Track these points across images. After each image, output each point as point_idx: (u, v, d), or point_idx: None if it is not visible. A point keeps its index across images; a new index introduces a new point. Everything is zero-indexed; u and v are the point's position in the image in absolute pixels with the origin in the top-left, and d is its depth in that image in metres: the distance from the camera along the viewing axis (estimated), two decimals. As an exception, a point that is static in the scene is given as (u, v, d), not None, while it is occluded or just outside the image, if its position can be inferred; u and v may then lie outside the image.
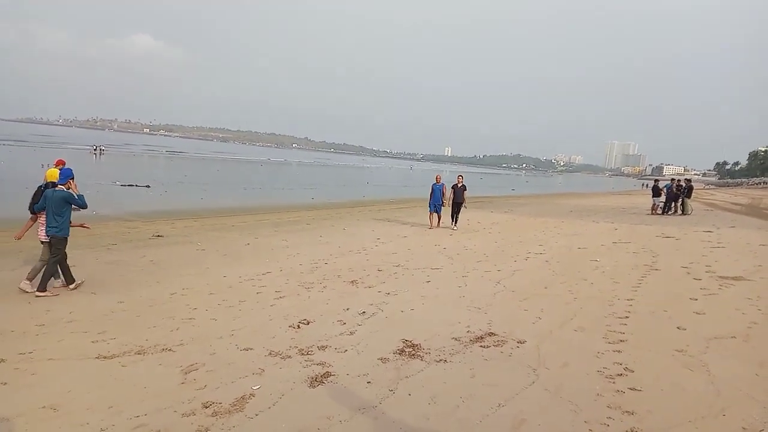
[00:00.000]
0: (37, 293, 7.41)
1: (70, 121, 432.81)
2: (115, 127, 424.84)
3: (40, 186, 7.87)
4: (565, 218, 21.96)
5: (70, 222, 7.81)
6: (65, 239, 7.69)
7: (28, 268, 7.84)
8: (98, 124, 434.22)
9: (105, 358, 5.30)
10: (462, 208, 16.95)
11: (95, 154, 61.02)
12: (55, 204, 7.49)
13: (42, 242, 7.74)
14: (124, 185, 27.62)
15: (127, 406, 4.29)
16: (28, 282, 7.54)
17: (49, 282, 7.56)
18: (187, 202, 18.18)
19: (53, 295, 7.50)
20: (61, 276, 7.87)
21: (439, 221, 16.88)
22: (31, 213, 7.81)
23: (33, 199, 7.79)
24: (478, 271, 10.08)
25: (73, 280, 7.90)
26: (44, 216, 7.59)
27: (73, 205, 7.69)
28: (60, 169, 7.78)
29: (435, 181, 16.84)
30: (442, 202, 16.66)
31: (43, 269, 7.56)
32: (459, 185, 16.92)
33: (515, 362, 5.51)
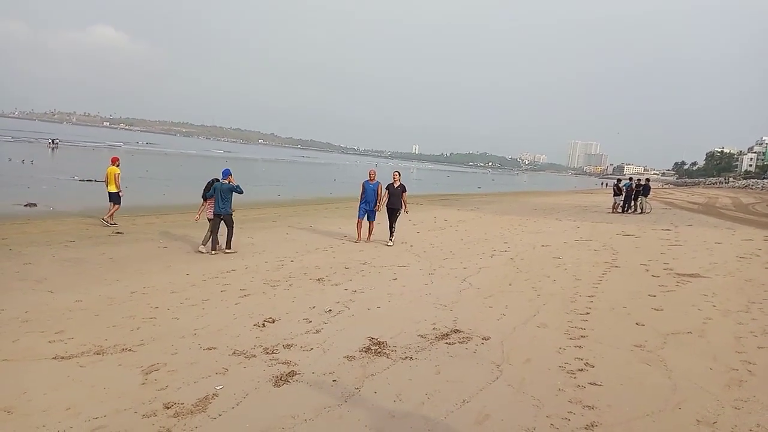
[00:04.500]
0: (226, 250, 10.87)
1: (27, 114, 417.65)
2: (74, 120, 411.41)
3: (209, 181, 11.10)
4: (529, 216, 22.33)
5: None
6: (231, 214, 11.04)
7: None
8: (56, 116, 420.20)
9: (62, 358, 5.14)
10: (399, 215, 13.28)
11: (52, 148, 59.17)
12: (223, 192, 10.89)
13: (208, 219, 11.06)
14: (83, 180, 26.82)
15: (85, 408, 4.17)
16: (203, 246, 10.82)
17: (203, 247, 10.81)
18: (149, 198, 17.79)
19: (215, 253, 10.67)
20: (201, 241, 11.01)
21: (370, 232, 13.33)
22: (203, 199, 11.17)
23: (205, 189, 11.08)
24: (444, 269, 10.16)
25: (214, 248, 10.81)
26: (211, 201, 10.94)
27: (234, 192, 11.04)
28: (223, 171, 11.18)
29: (368, 179, 13.19)
30: (376, 206, 13.13)
31: (211, 236, 10.82)
32: (396, 185, 13.15)
33: (480, 358, 5.57)
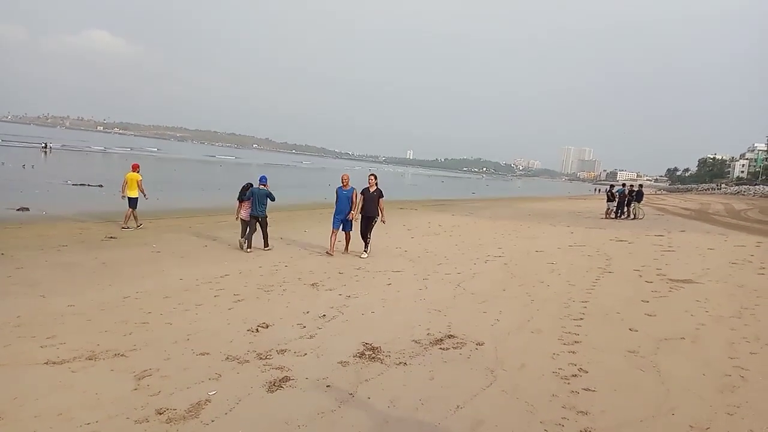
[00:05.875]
0: (264, 248, 11.90)
1: (20, 118, 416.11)
2: (67, 124, 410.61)
3: (244, 185, 12.25)
4: (523, 221, 22.39)
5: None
6: (266, 217, 12.08)
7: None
8: (49, 120, 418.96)
9: (54, 363, 5.10)
10: (375, 224, 11.98)
11: (45, 152, 58.94)
12: (260, 196, 11.87)
13: (242, 220, 12.11)
14: (76, 184, 26.69)
15: (77, 414, 4.14)
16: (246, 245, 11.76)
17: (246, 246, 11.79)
18: (142, 202, 17.61)
19: (251, 251, 11.65)
20: (244, 240, 11.93)
21: (347, 243, 12.13)
22: (239, 201, 12.16)
23: (241, 192, 12.14)
24: (438, 274, 10.16)
25: (267, 244, 12.08)
26: (246, 203, 12.01)
27: (268, 198, 12.04)
28: (260, 178, 12.14)
29: (341, 185, 11.96)
30: (350, 215, 11.81)
31: (252, 235, 11.94)
32: (372, 190, 11.91)
33: (474, 364, 5.57)
